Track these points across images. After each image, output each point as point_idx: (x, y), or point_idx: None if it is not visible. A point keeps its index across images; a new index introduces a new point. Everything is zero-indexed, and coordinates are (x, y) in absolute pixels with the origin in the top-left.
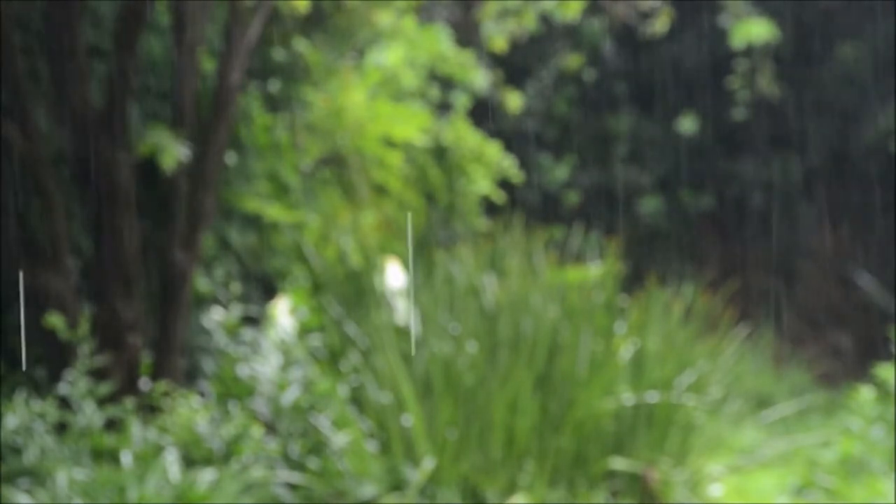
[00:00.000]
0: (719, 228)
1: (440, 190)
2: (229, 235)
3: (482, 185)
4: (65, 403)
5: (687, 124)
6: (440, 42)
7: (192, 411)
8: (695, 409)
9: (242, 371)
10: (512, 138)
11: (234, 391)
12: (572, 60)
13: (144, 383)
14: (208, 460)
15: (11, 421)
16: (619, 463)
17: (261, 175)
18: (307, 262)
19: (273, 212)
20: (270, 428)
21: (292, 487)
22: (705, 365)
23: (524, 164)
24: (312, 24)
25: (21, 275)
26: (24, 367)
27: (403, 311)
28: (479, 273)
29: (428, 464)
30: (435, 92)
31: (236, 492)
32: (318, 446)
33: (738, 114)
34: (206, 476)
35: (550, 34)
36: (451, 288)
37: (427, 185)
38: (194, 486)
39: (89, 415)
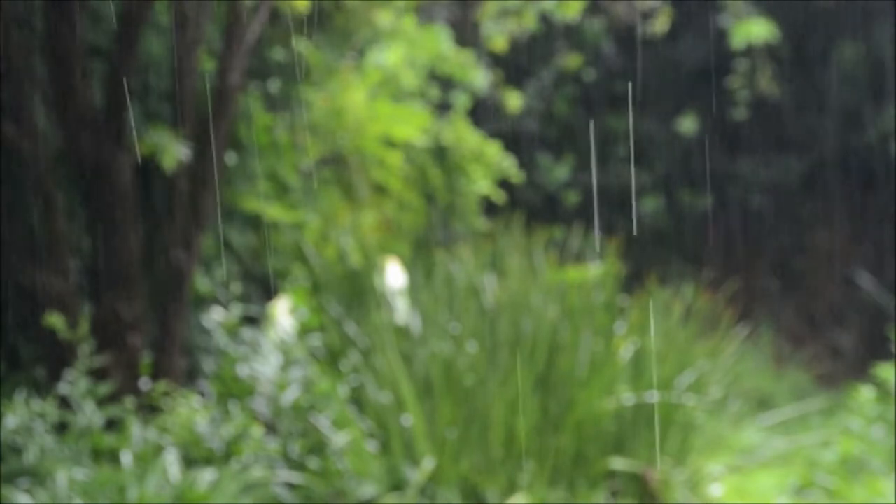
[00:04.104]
0: (719, 228)
1: (440, 190)
2: (229, 235)
3: (482, 185)
4: (65, 403)
5: (687, 124)
6: (440, 42)
7: (192, 411)
8: (695, 409)
9: (242, 371)
10: (512, 138)
11: (234, 391)
12: (572, 60)
13: (144, 383)
14: (208, 460)
15: (11, 421)
16: (619, 463)
17: (261, 175)
18: (307, 262)
19: (273, 212)
20: (270, 428)
21: (292, 487)
22: (705, 365)
23: (524, 164)
24: (312, 24)
25: (21, 275)
26: (23, 367)
27: (403, 311)
28: (479, 273)
29: (428, 464)
30: (435, 92)
31: (236, 492)
32: (318, 446)
33: (738, 114)
34: (206, 476)
35: (550, 34)
36: (451, 288)
37: (427, 185)
38: (194, 486)
39: (89, 415)
